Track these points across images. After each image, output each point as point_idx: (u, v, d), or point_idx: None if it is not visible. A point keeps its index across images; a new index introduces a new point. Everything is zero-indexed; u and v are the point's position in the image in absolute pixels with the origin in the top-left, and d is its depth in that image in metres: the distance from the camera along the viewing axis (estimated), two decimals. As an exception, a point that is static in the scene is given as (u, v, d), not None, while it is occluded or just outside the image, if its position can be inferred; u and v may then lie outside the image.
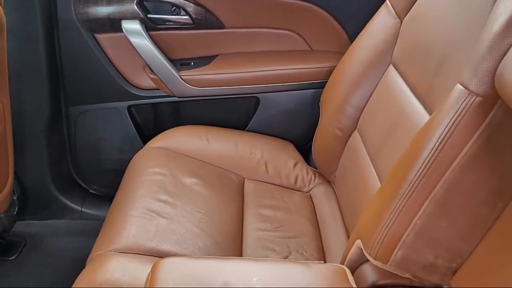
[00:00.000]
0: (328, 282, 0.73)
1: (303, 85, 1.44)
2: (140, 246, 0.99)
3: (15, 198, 1.50)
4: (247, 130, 1.52)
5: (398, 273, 0.80)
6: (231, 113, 1.54)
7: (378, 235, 0.78)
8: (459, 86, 0.69)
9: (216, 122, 1.50)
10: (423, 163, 0.72)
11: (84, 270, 0.94)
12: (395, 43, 1.14)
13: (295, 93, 1.47)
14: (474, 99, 0.66)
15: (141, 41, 1.39)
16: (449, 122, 0.69)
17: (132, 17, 1.39)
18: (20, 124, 1.45)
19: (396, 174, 0.79)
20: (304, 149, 1.50)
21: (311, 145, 1.40)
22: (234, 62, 1.46)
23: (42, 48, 1.38)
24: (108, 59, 1.45)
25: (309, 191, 1.36)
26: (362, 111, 1.22)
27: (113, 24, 1.39)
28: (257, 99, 1.49)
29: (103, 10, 1.38)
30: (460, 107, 0.67)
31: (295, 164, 1.39)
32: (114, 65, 1.46)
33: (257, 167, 1.36)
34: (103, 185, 1.65)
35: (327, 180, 1.37)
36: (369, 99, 1.20)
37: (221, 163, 1.34)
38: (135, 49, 1.40)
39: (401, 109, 1.02)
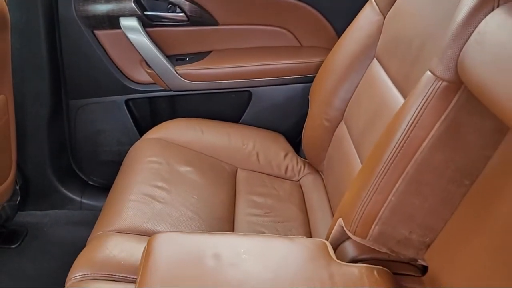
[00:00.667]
0: (309, 253, 0.80)
1: (294, 79, 1.51)
2: (137, 227, 1.05)
3: (17, 188, 1.56)
4: (240, 123, 1.58)
5: (376, 248, 0.87)
6: (225, 106, 1.60)
7: (357, 212, 0.85)
8: (428, 73, 0.76)
9: (210, 116, 1.56)
10: (396, 143, 0.78)
11: (84, 249, 1.00)
12: (379, 38, 1.21)
13: (285, 87, 1.54)
14: (440, 84, 0.73)
15: (139, 37, 1.46)
16: (418, 105, 0.75)
17: (129, 14, 1.45)
18: (22, 117, 1.51)
19: (374, 156, 0.85)
20: (295, 141, 1.57)
21: (301, 137, 1.46)
22: (227, 57, 1.52)
23: (43, 44, 1.44)
24: (107, 54, 1.51)
25: (298, 180, 1.42)
26: (348, 102, 1.28)
27: (111, 21, 1.46)
28: (250, 93, 1.55)
29: (102, 8, 1.45)
30: (428, 91, 0.74)
31: (286, 155, 1.46)
32: (112, 61, 1.52)
33: (249, 157, 1.42)
34: (101, 177, 1.71)
35: (316, 170, 1.43)
36: (354, 91, 1.27)
37: (215, 153, 1.40)
38: (132, 45, 1.47)
39: (382, 99, 1.08)
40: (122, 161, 1.39)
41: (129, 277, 0.91)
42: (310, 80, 1.46)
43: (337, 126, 1.31)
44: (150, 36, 1.48)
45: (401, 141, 0.78)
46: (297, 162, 1.45)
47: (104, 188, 1.65)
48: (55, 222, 1.67)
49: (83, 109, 1.58)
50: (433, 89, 0.73)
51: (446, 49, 0.72)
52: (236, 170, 1.40)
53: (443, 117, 0.74)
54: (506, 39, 0.61)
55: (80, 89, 1.56)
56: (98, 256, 0.95)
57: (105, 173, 1.67)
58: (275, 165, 1.43)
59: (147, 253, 0.80)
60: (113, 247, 0.97)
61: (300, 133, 1.50)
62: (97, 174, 1.71)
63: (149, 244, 0.81)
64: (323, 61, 1.41)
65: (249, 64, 1.49)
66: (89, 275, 0.91)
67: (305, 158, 1.45)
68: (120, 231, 1.03)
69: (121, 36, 1.47)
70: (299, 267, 0.77)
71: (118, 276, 0.91)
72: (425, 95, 0.75)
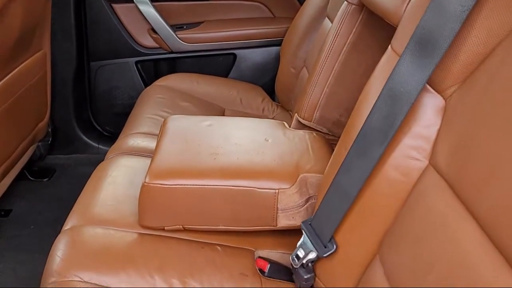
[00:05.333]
0: (272, 124, 1.20)
1: (268, 42, 1.94)
2: (151, 132, 1.45)
3: (49, 130, 1.94)
4: (227, 79, 2.00)
5: (319, 130, 1.27)
6: (215, 67, 2.01)
7: (304, 102, 1.26)
8: (345, 2, 1.17)
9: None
10: (327, 51, 1.20)
11: (115, 143, 1.40)
12: (328, 2, 1.63)
13: (263, 50, 1.96)
14: (351, 7, 1.14)
15: (147, 9, 1.87)
16: (338, 23, 1.17)
17: (140, -10, 1.87)
18: (53, 74, 1.89)
19: (314, 64, 1.26)
20: (271, 95, 1.97)
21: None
22: (217, 25, 1.94)
23: (72, 14, 1.85)
24: (122, 24, 1.92)
25: (273, 118, 1.82)
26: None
27: (125, -4, 1.88)
28: (234, 56, 1.97)
29: (119, -15, 1.86)
30: (344, 13, 1.16)
31: (263, 100, 1.86)
32: (126, 29, 1.93)
33: (234, 101, 1.83)
34: (114, 127, 2.08)
35: (287, 110, 1.84)
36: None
37: (207, 98, 1.80)
38: (143, 15, 1.88)
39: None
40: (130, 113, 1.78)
41: (150, 155, 1.29)
42: (281, 43, 1.87)
43: (300, 72, 1.72)
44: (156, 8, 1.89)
45: (329, 48, 1.19)
46: (272, 105, 1.85)
47: (116, 137, 2.03)
48: (77, 163, 2.05)
49: (101, 69, 1.98)
50: (347, 11, 1.15)
51: (354, -16, 1.14)
52: (224, 110, 1.80)
53: (354, 29, 1.16)
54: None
55: (100, 52, 1.96)
56: (125, 144, 1.35)
57: (117, 124, 2.05)
58: (254, 106, 1.83)
59: (162, 126, 1.19)
60: (136, 139, 1.36)
61: (274, 87, 1.91)
62: (110, 125, 2.09)
63: (164, 122, 1.20)
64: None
65: (234, 29, 1.91)
66: (120, 154, 1.30)
67: (278, 103, 1.86)
68: (140, 133, 1.43)
69: (133, 9, 1.88)
70: (264, 128, 1.17)
71: (142, 154, 1.30)
72: (342, 16, 1.16)
